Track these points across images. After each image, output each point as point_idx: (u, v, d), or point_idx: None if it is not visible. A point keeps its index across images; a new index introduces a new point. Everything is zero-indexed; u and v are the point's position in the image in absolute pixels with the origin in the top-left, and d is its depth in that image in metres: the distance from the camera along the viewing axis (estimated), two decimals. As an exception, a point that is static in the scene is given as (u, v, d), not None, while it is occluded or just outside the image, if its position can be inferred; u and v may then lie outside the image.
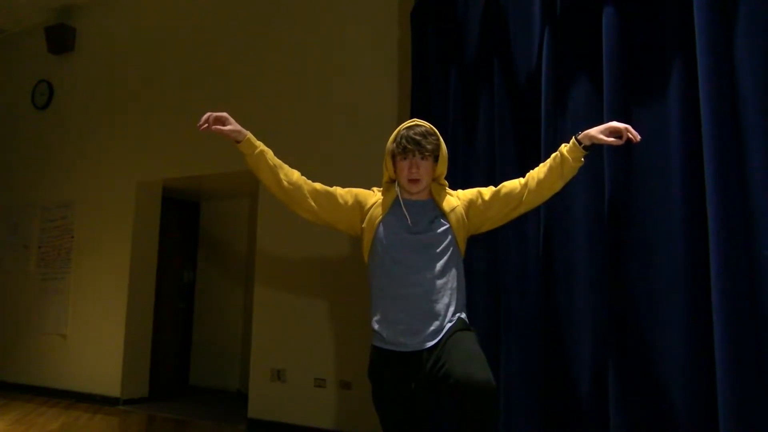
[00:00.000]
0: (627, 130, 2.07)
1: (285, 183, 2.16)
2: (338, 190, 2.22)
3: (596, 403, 2.41)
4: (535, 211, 2.66)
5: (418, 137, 2.06)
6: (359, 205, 2.19)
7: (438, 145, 2.12)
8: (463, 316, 2.10)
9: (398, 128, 2.14)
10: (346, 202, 2.19)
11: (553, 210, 2.57)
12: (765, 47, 2.17)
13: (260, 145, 2.17)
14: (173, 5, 5.30)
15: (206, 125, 2.12)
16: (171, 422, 4.51)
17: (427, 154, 2.08)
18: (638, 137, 2.08)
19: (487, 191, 2.22)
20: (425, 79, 3.15)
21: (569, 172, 2.15)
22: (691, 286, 2.25)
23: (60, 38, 5.78)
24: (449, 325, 2.03)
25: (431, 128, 2.13)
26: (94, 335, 5.23)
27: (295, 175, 2.20)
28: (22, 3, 5.71)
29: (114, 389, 5.02)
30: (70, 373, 5.32)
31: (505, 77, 2.83)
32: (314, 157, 4.27)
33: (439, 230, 2.09)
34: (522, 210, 2.23)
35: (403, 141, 2.07)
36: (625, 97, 2.45)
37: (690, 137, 2.30)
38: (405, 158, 2.09)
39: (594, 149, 2.17)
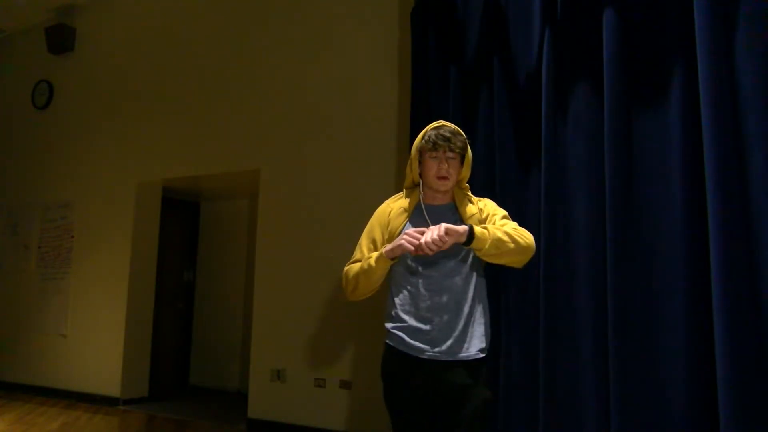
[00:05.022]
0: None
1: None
2: (369, 243, 2.13)
3: (597, 403, 2.41)
4: (536, 211, 2.67)
5: (448, 134, 2.06)
6: (386, 230, 2.13)
7: (466, 146, 2.11)
8: (484, 355, 2.04)
9: (425, 129, 2.13)
10: (382, 242, 2.12)
11: (553, 209, 2.57)
12: (765, 49, 2.17)
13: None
14: (173, 5, 5.31)
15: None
16: (171, 422, 4.51)
17: (457, 150, 2.06)
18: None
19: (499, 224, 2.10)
20: (425, 79, 3.15)
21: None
22: (692, 286, 2.25)
23: (60, 38, 5.79)
24: (475, 352, 1.99)
25: (459, 130, 2.12)
26: (94, 335, 5.23)
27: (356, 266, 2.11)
28: (22, 3, 5.71)
29: (114, 389, 5.02)
30: (70, 373, 5.32)
31: (505, 77, 2.82)
32: (314, 158, 4.28)
33: None
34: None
35: (433, 137, 2.06)
36: (625, 98, 2.44)
37: (690, 137, 2.30)
38: (435, 156, 2.06)
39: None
